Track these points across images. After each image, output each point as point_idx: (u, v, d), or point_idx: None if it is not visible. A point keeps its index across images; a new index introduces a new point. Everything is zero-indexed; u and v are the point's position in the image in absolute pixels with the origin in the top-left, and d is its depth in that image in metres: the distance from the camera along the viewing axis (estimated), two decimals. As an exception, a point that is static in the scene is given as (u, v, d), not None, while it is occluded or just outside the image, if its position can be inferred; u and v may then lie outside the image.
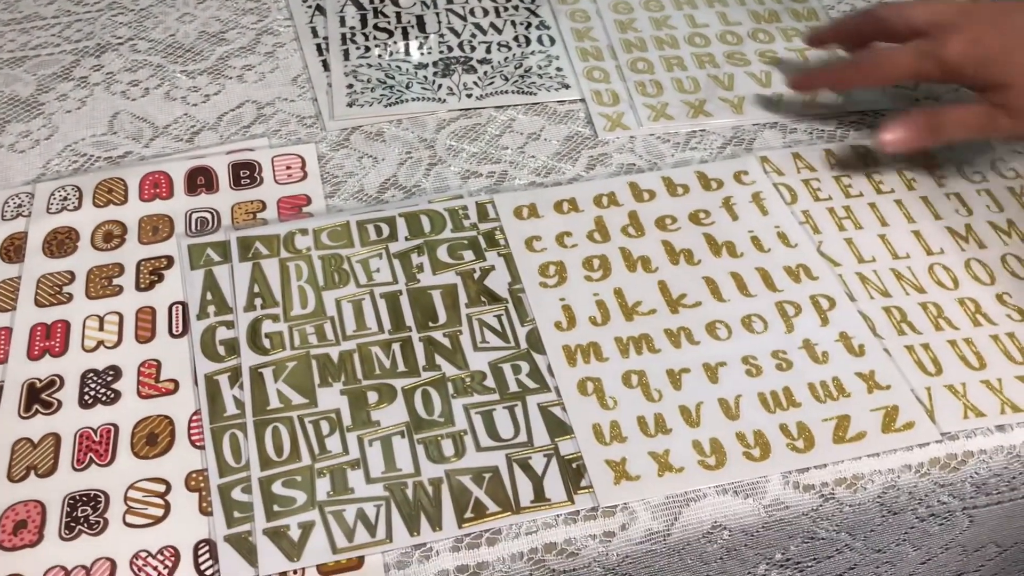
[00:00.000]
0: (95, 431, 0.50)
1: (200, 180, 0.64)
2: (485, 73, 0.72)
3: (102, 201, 0.62)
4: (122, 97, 0.71)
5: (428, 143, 0.67)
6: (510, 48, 0.75)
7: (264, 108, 0.70)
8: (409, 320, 0.55)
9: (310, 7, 0.80)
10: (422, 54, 0.74)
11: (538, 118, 0.70)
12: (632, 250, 0.60)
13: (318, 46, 0.75)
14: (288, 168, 0.65)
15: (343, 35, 0.75)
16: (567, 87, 0.72)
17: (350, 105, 0.69)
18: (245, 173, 0.64)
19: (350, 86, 0.70)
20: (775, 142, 0.68)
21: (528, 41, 0.76)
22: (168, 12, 0.79)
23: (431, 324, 0.55)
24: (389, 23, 0.77)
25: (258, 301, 0.56)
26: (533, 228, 0.61)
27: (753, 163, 0.66)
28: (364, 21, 0.77)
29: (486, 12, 0.78)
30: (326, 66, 0.74)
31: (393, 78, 0.71)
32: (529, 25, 0.77)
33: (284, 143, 0.67)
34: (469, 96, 0.70)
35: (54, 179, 0.64)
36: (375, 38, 0.75)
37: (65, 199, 0.62)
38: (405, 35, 0.76)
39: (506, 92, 0.71)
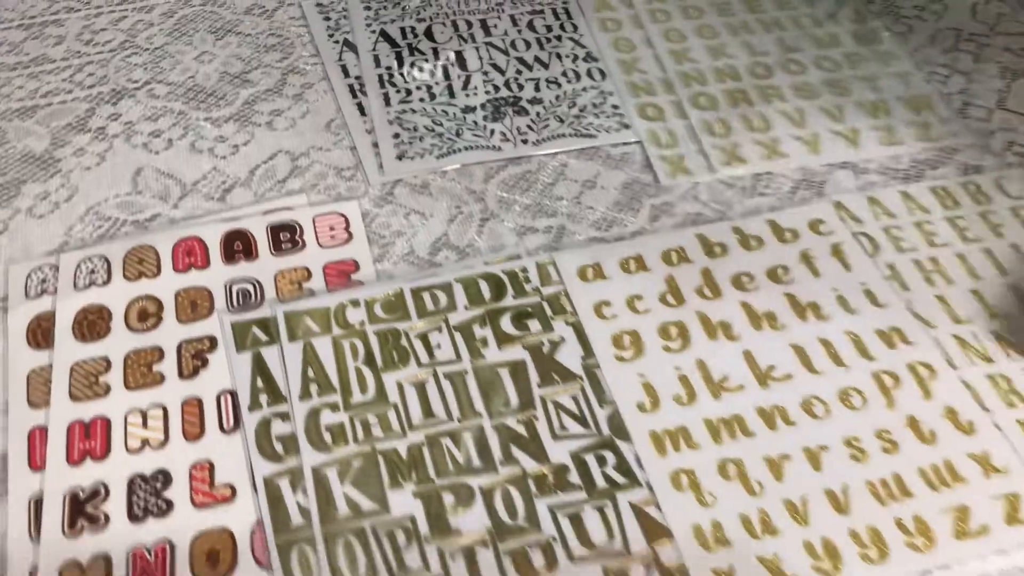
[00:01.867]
0: (149, 550, 0.45)
1: (237, 246, 0.59)
2: (538, 115, 0.67)
3: (133, 274, 0.57)
4: (144, 150, 0.66)
5: (478, 195, 0.62)
6: (559, 85, 0.70)
7: (298, 159, 0.65)
8: (479, 404, 0.51)
9: (336, 42, 0.74)
10: (467, 95, 0.69)
11: (592, 163, 0.65)
12: (710, 314, 0.55)
13: (350, 87, 0.70)
14: (331, 229, 0.60)
15: (380, 77, 0.70)
16: (627, 127, 0.67)
17: (400, 158, 0.64)
18: (285, 236, 0.59)
19: (396, 135, 0.65)
20: (847, 184, 0.63)
21: (578, 76, 0.71)
22: (184, 51, 0.73)
23: (503, 408, 0.50)
24: (427, 60, 0.72)
25: (314, 387, 0.51)
26: (600, 291, 0.56)
27: (828, 210, 0.61)
28: (400, 59, 0.72)
29: (528, 45, 0.73)
30: (361, 110, 0.68)
31: (441, 124, 0.66)
32: (576, 58, 0.72)
33: (324, 199, 0.62)
34: (525, 142, 0.65)
35: (79, 248, 0.59)
36: (414, 77, 0.70)
37: (93, 272, 0.57)
38: (446, 74, 0.71)
39: (563, 135, 0.66)
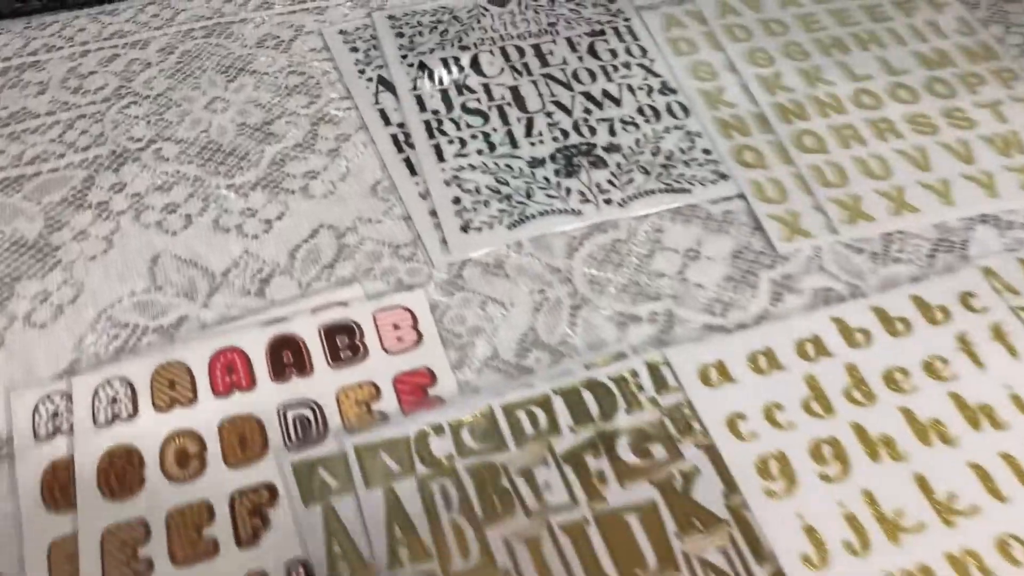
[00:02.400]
0: None
1: (287, 356, 0.48)
2: (619, 166, 0.57)
3: (164, 401, 0.47)
4: (158, 230, 0.54)
5: (563, 275, 0.52)
6: (637, 126, 0.59)
7: (345, 236, 0.54)
8: (608, 566, 0.41)
9: (370, 80, 0.63)
10: (532, 143, 0.58)
11: (691, 226, 0.55)
12: (866, 425, 0.46)
13: (394, 138, 0.59)
14: (396, 328, 0.50)
15: (427, 124, 0.59)
16: (725, 177, 0.56)
17: (465, 229, 0.53)
18: (343, 341, 0.49)
19: (457, 200, 0.55)
20: (992, 243, 0.54)
21: (656, 113, 0.60)
22: (192, 97, 0.62)
23: (639, 571, 0.41)
24: (479, 100, 0.61)
25: (403, 551, 0.41)
26: (730, 399, 0.47)
27: (977, 279, 0.52)
28: (447, 100, 0.61)
29: (593, 76, 0.62)
30: (411, 166, 0.57)
31: (507, 183, 0.56)
32: (650, 90, 0.61)
33: (382, 288, 0.52)
34: (609, 202, 0.55)
35: (94, 368, 0.48)
36: (468, 124, 0.59)
37: (115, 401, 0.47)
38: (503, 117, 0.60)
39: (652, 192, 0.56)
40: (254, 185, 0.57)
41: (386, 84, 0.63)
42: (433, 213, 0.56)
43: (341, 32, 0.67)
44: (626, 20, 0.67)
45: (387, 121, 0.61)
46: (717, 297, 0.52)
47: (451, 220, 0.55)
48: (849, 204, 0.56)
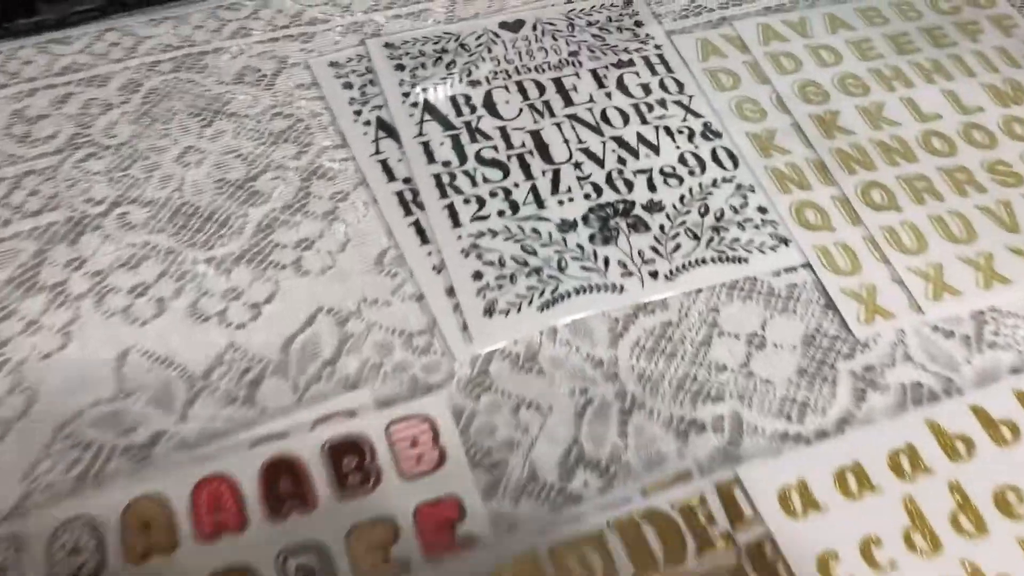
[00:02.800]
0: None
1: (284, 486, 0.40)
2: (662, 229, 0.49)
3: (137, 551, 0.38)
4: (124, 320, 0.46)
5: (607, 370, 0.44)
6: (680, 179, 0.51)
7: (348, 321, 0.45)
8: None
9: (368, 123, 0.54)
10: (560, 202, 0.49)
11: (751, 304, 0.47)
12: (981, 564, 0.38)
13: (399, 196, 0.51)
14: (414, 445, 0.41)
15: (437, 179, 0.50)
16: (785, 242, 0.48)
17: (489, 312, 0.45)
18: (351, 462, 0.41)
19: (478, 275, 0.46)
20: (1100, 320, 0.46)
21: (701, 163, 0.52)
22: (161, 147, 0.53)
23: None
24: (496, 149, 0.52)
25: None
26: (819, 533, 0.39)
27: (1090, 367, 0.43)
28: (459, 149, 0.52)
29: (625, 117, 0.54)
30: (421, 232, 0.49)
31: (535, 252, 0.48)
32: (692, 133, 0.53)
33: (395, 392, 0.43)
34: (655, 275, 0.47)
35: (49, 504, 0.39)
36: (485, 178, 0.50)
37: (76, 551, 0.38)
38: (526, 169, 0.51)
39: (704, 261, 0.47)
40: (238, 258, 0.48)
41: (387, 128, 0.54)
42: (450, 291, 0.47)
43: (332, 64, 0.58)
44: (657, 47, 0.58)
45: (391, 175, 0.52)
46: (788, 396, 0.44)
47: (472, 301, 0.46)
48: (931, 275, 0.48)
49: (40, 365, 0.45)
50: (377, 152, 0.53)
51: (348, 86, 0.57)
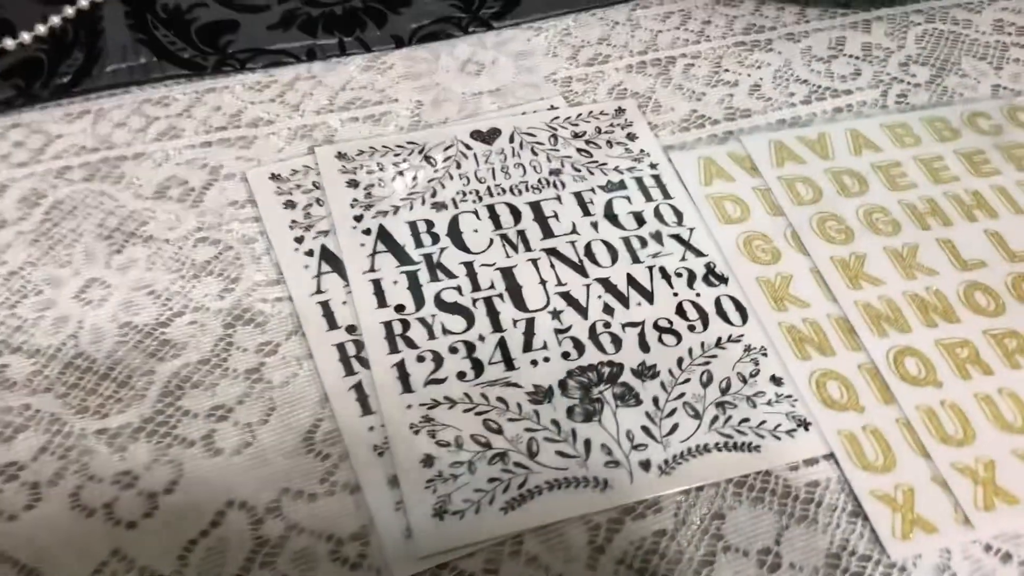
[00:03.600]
0: None
1: None
2: (656, 402, 0.40)
3: None
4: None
5: None
6: (679, 336, 0.42)
7: (264, 523, 0.36)
8: None
9: (310, 252, 0.46)
10: (533, 362, 0.41)
11: (764, 510, 0.38)
12: None
13: (340, 349, 0.43)
14: None
15: (388, 328, 0.42)
16: (805, 425, 0.39)
17: (440, 515, 0.36)
18: None
19: (428, 461, 0.38)
20: None
21: (704, 317, 0.43)
22: (60, 279, 0.44)
23: None
24: (459, 290, 0.43)
25: None
26: None
27: None
28: (415, 290, 0.44)
29: (614, 253, 0.47)
30: (363, 399, 0.39)
31: (500, 431, 0.39)
32: (693, 277, 0.44)
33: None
34: (646, 466, 0.38)
35: None
36: (445, 329, 0.42)
37: None
38: (494, 318, 0.42)
39: (707, 449, 0.39)
40: (136, 430, 0.39)
41: (332, 260, 0.45)
42: (393, 480, 0.37)
43: (273, 177, 0.48)
44: (653, 166, 0.50)
45: (332, 323, 0.43)
46: (813, 639, 0.34)
47: (419, 496, 0.37)
48: (981, 475, 0.38)
49: None
50: (318, 291, 0.44)
51: (290, 204, 0.48)
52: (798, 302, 0.45)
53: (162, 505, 0.38)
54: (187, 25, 0.55)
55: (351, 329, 0.44)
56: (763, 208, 0.49)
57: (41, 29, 0.55)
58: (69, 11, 0.55)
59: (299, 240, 0.47)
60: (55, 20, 0.55)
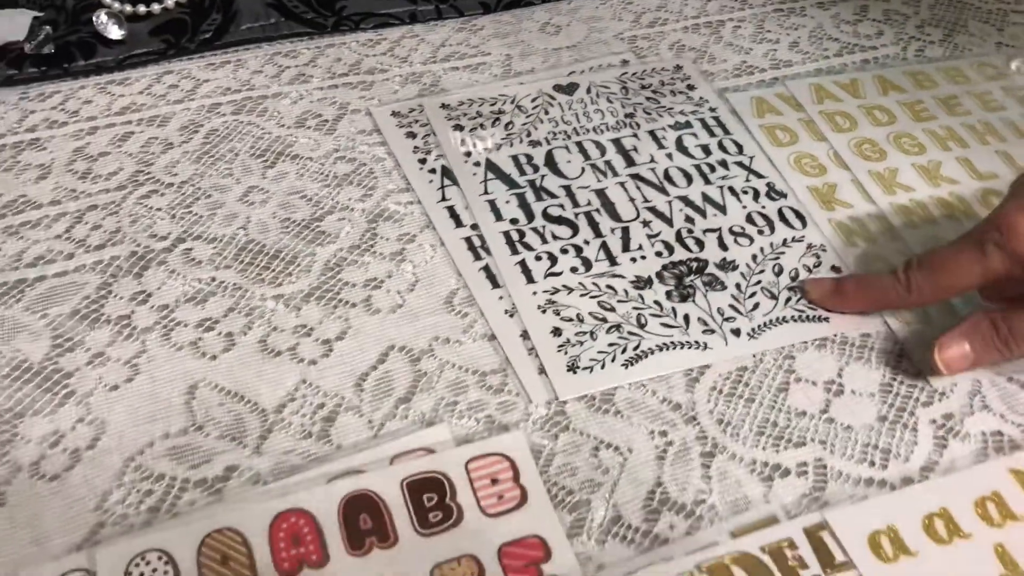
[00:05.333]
0: None
1: (364, 522, 0.39)
2: (739, 287, 0.48)
3: (217, 584, 0.36)
4: (194, 353, 0.45)
5: (686, 412, 0.43)
6: (751, 238, 0.51)
7: (420, 360, 0.45)
8: None
9: (433, 171, 0.54)
10: (633, 259, 0.49)
11: (826, 352, 0.46)
12: (1078, 613, 0.37)
13: (468, 241, 0.50)
14: (494, 483, 0.40)
15: (507, 236, 0.50)
16: None
17: (572, 369, 0.44)
18: (431, 499, 0.40)
19: (557, 332, 0.46)
20: None
21: (770, 223, 0.52)
22: (224, 186, 0.53)
23: None
24: (562, 207, 0.52)
25: None
26: (911, 577, 0.38)
27: None
28: (525, 207, 0.52)
29: (688, 177, 0.54)
30: (492, 277, 0.48)
31: (613, 309, 0.47)
32: (757, 194, 0.53)
33: (473, 429, 0.42)
34: (737, 333, 0.47)
35: (122, 535, 0.38)
36: (554, 235, 0.50)
37: (152, 583, 0.36)
38: (595, 227, 0.51)
39: (785, 320, 0.47)
40: (307, 296, 0.48)
41: (452, 177, 0.54)
42: (524, 334, 0.46)
43: (394, 114, 0.58)
44: (712, 110, 0.59)
45: (458, 222, 0.52)
46: (870, 442, 0.43)
47: (554, 358, 0.46)
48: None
49: (106, 396, 0.44)
50: (443, 199, 0.53)
51: (411, 135, 0.57)
52: (844, 203, 0.55)
53: (336, 348, 0.47)
54: (308, -7, 0.65)
55: (475, 227, 0.52)
56: (808, 135, 0.59)
57: (181, -4, 0.64)
58: (206, -19, 0.65)
59: (422, 161, 0.56)
60: (194, -11, 0.65)
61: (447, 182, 0.54)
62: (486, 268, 0.50)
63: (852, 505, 0.41)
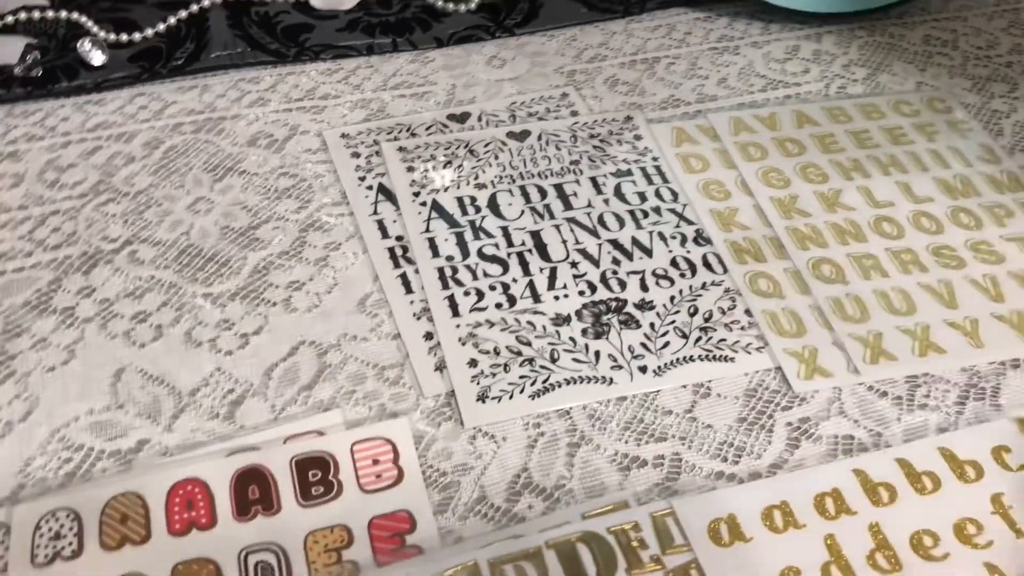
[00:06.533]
0: None
1: (253, 491, 0.44)
2: (652, 327, 0.52)
3: (113, 539, 0.42)
4: (125, 342, 0.50)
5: (562, 410, 0.47)
6: (671, 280, 0.55)
7: (328, 353, 0.50)
8: None
9: (370, 187, 0.59)
10: (556, 297, 0.54)
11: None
12: (894, 599, 0.40)
13: (391, 251, 0.55)
14: (375, 463, 0.45)
15: (440, 271, 0.55)
16: (760, 347, 0.52)
17: (482, 399, 0.49)
18: (315, 475, 0.44)
19: (473, 363, 0.50)
20: (1026, 390, 0.49)
21: (693, 267, 0.55)
22: (175, 196, 0.58)
23: None
24: (497, 246, 0.56)
25: None
26: (742, 562, 0.42)
27: (1011, 431, 0.47)
28: (463, 245, 0.57)
29: (621, 222, 0.58)
30: (406, 284, 0.53)
31: (529, 344, 0.51)
32: (684, 239, 0.57)
33: (364, 414, 0.47)
34: (643, 371, 0.50)
35: (40, 495, 0.43)
36: (485, 273, 0.55)
37: (58, 536, 0.42)
38: (524, 266, 0.55)
39: (691, 359, 0.51)
40: (233, 295, 0.53)
41: (386, 193, 0.59)
42: (428, 336, 0.51)
43: (343, 136, 0.64)
44: (655, 159, 0.63)
45: (385, 233, 0.57)
46: (727, 440, 0.47)
47: (467, 387, 0.50)
48: (871, 342, 0.52)
49: (43, 377, 0.49)
50: (375, 212, 0.59)
51: (356, 155, 0.63)
52: (741, 227, 0.59)
53: (252, 342, 0.52)
54: (274, 26, 0.71)
55: (399, 239, 0.58)
56: (720, 163, 0.63)
57: (161, 27, 0.71)
58: (183, 14, 0.71)
59: (362, 179, 0.62)
60: (172, 20, 0.71)
61: (381, 198, 0.59)
62: (402, 276, 0.55)
63: (698, 495, 0.45)
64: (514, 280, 0.55)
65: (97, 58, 0.68)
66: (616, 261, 0.56)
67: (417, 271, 0.55)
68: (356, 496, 0.45)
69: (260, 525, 0.43)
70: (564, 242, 0.57)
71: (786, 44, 0.72)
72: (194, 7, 0.71)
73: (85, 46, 0.67)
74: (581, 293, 0.54)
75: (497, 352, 0.51)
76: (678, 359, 0.51)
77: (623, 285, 0.54)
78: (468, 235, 0.57)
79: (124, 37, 0.69)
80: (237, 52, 0.69)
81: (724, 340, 0.51)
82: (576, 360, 0.50)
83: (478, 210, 0.59)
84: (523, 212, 0.59)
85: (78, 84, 0.66)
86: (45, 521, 0.43)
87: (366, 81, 0.68)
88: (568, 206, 0.59)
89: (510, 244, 0.57)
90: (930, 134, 0.65)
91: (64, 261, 0.55)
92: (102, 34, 0.69)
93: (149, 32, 0.69)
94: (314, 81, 0.68)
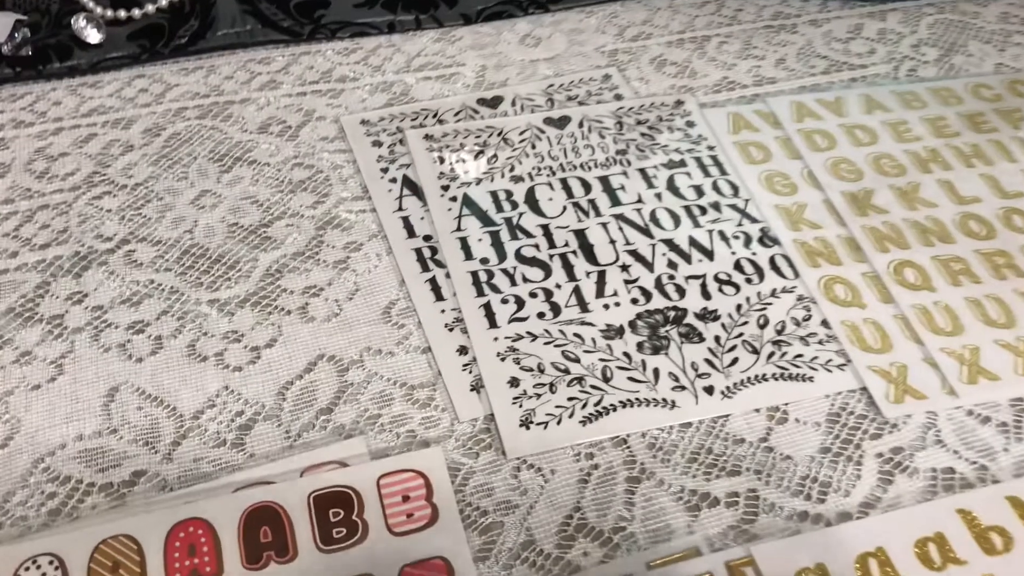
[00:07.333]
0: None
1: (265, 534, 0.38)
2: (718, 340, 0.45)
3: (103, 591, 0.35)
4: (120, 355, 0.44)
5: (615, 435, 0.41)
6: (737, 287, 0.48)
7: (349, 370, 0.43)
8: None
9: (393, 180, 0.53)
10: (606, 306, 0.47)
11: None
12: (1016, 667, 0.34)
13: (418, 252, 0.49)
14: (405, 500, 0.39)
15: (474, 276, 0.48)
16: (841, 364, 0.45)
17: (526, 424, 0.42)
18: (337, 514, 0.38)
19: (514, 382, 0.43)
20: None
21: (759, 270, 0.49)
22: (177, 189, 0.52)
23: None
24: (537, 247, 0.50)
25: None
26: (836, 621, 0.35)
27: None
28: (499, 246, 0.50)
29: (676, 219, 0.51)
30: (436, 290, 0.47)
31: (577, 360, 0.44)
32: (749, 239, 0.50)
33: (391, 443, 0.40)
34: (710, 392, 0.43)
35: (18, 536, 0.37)
36: (525, 278, 0.48)
37: (39, 588, 0.35)
38: (569, 270, 0.48)
39: (765, 378, 0.44)
40: (242, 301, 0.47)
41: (411, 186, 0.53)
42: (462, 350, 0.45)
43: (363, 122, 0.57)
44: (710, 148, 0.56)
45: (411, 232, 0.50)
46: (809, 475, 0.41)
47: (508, 411, 0.43)
48: (967, 358, 0.45)
49: (27, 396, 0.43)
50: (400, 209, 0.52)
51: (377, 144, 0.56)
52: (811, 224, 0.52)
53: (264, 354, 0.46)
54: (287, 1, 0.65)
55: (427, 238, 0.51)
56: (783, 153, 0.56)
57: (163, 2, 0.64)
58: (187, -13, 0.65)
59: (384, 170, 0.55)
60: (175, -5, 0.64)
61: (406, 192, 0.53)
62: (432, 280, 0.48)
63: (780, 540, 0.39)
64: (558, 286, 0.48)
65: (93, 36, 0.61)
66: (672, 264, 0.49)
67: (448, 275, 0.48)
68: (384, 539, 0.38)
69: (273, 575, 0.37)
70: (612, 242, 0.50)
71: (847, 22, 0.65)
72: (199, -20, 0.64)
73: (80, 23, 0.61)
74: (634, 301, 0.47)
75: (541, 370, 0.44)
76: (749, 378, 0.44)
77: (681, 292, 0.48)
78: (504, 234, 0.50)
79: (123, 13, 0.63)
80: (246, 30, 0.62)
81: (800, 356, 0.45)
82: (632, 379, 0.44)
83: (515, 206, 0.52)
84: (565, 208, 0.52)
85: (72, 65, 0.60)
86: (25, 569, 0.37)
87: (387, 62, 0.62)
88: (615, 201, 0.53)
89: (552, 245, 0.50)
90: (1015, 121, 0.58)
91: (53, 262, 0.49)
92: (99, 10, 0.62)
93: (150, 8, 0.63)
94: (331, 62, 0.62)
